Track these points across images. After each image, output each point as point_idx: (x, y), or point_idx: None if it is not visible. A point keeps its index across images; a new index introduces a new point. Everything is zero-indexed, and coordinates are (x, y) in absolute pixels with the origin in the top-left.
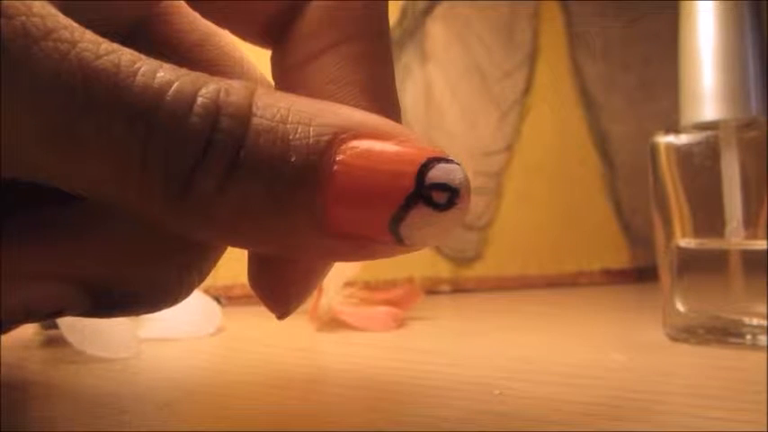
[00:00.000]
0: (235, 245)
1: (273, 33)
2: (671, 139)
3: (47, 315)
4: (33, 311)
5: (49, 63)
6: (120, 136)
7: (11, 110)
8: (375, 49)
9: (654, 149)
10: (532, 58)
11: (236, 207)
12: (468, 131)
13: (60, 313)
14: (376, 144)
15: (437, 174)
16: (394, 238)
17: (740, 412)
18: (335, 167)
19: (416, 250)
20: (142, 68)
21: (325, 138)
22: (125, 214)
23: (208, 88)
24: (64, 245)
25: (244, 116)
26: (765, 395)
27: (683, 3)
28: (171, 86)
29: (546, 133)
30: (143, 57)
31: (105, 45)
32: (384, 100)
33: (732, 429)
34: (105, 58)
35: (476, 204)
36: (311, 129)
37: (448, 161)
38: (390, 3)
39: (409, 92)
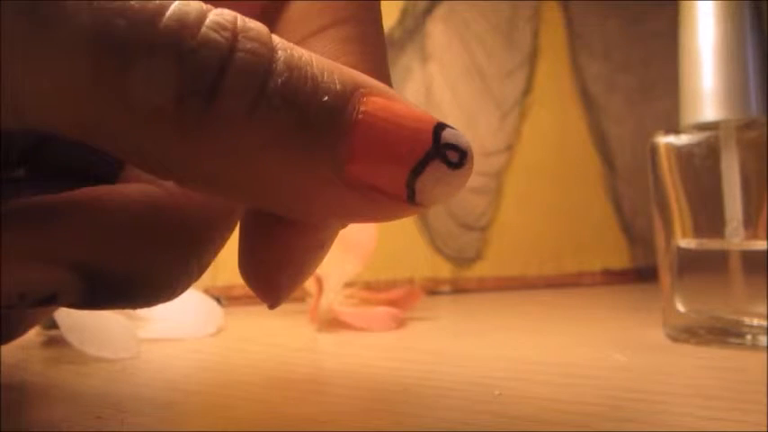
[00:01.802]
0: (245, 191)
1: (265, 15)
2: (671, 139)
3: (41, 301)
4: (26, 295)
5: None
6: (118, 47)
7: None
8: (365, 31)
9: (654, 150)
10: (533, 59)
11: (263, 137)
12: (469, 132)
13: (55, 299)
14: (393, 102)
15: (449, 135)
16: (408, 192)
17: (740, 412)
18: (360, 116)
19: (422, 211)
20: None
21: (350, 87)
22: (123, 197)
23: (222, 11)
24: (58, 227)
25: (268, 44)
26: (765, 395)
27: (683, 3)
28: (173, 1)
29: (546, 134)
30: None
31: None
32: (382, 80)
33: (732, 429)
34: None
35: (476, 204)
36: (335, 78)
37: (452, 127)
38: (390, 3)
39: (409, 92)
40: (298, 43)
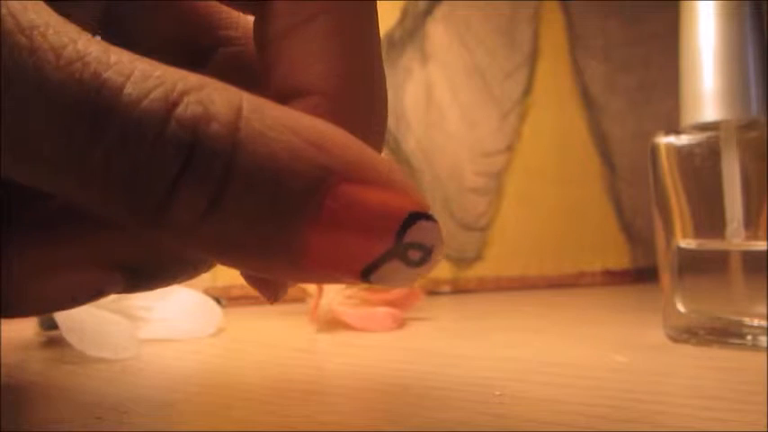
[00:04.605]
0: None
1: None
2: (671, 139)
3: (89, 298)
4: (78, 295)
5: (3, 71)
6: (79, 150)
7: None
8: (354, 22)
9: (654, 150)
10: (533, 59)
11: (210, 239)
12: (469, 132)
13: (101, 294)
14: (362, 191)
15: (416, 233)
16: (362, 280)
17: (740, 413)
18: (320, 214)
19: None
20: (107, 83)
21: (313, 180)
22: None
23: (185, 111)
24: (104, 230)
25: (226, 151)
26: (765, 395)
27: (683, 3)
28: (138, 106)
29: (546, 134)
30: (112, 61)
31: (68, 50)
32: (363, 81)
33: (732, 429)
34: (65, 70)
35: (476, 205)
36: (299, 168)
37: (427, 217)
38: (390, 3)
39: (410, 92)
40: (290, 31)
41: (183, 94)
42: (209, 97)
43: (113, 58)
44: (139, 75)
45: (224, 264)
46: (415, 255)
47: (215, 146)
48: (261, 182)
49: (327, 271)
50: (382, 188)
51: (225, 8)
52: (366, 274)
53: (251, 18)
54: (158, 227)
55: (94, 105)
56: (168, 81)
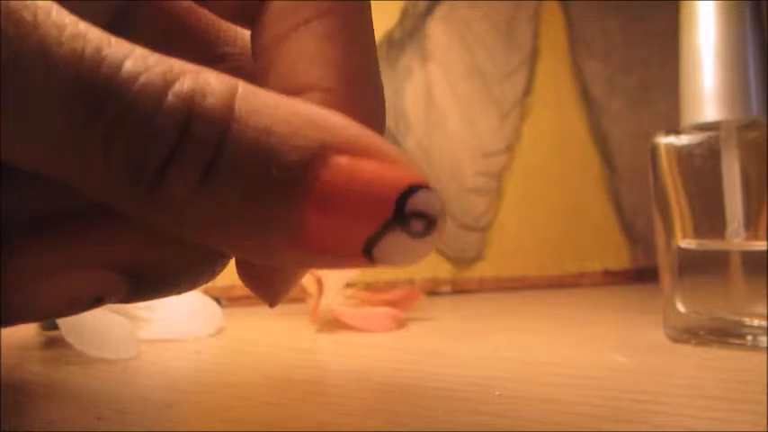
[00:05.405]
0: (206, 245)
1: (249, 10)
2: (671, 139)
3: (89, 304)
4: (76, 300)
5: (7, 43)
6: (79, 126)
7: None
8: (350, 24)
9: (654, 150)
10: (533, 59)
11: (206, 214)
12: (469, 132)
13: (102, 301)
14: (359, 163)
15: (417, 201)
16: (365, 257)
17: (740, 413)
18: (316, 185)
19: (386, 268)
20: (108, 59)
21: (309, 153)
22: None
23: (182, 86)
24: (102, 231)
25: (221, 122)
26: (765, 395)
27: (683, 3)
28: (137, 80)
29: (546, 134)
30: (113, 42)
31: (70, 29)
32: (361, 81)
33: (732, 429)
34: (67, 45)
35: (476, 205)
36: (295, 141)
37: (427, 188)
38: (390, 3)
39: (410, 92)
40: (285, 37)
41: (181, 74)
42: (205, 79)
43: (113, 40)
44: (139, 53)
45: (222, 246)
46: (418, 225)
47: (210, 118)
48: (256, 155)
49: (328, 247)
50: (380, 161)
51: (224, 24)
52: (368, 249)
53: (248, 33)
54: (154, 202)
55: (95, 80)
56: (166, 62)
